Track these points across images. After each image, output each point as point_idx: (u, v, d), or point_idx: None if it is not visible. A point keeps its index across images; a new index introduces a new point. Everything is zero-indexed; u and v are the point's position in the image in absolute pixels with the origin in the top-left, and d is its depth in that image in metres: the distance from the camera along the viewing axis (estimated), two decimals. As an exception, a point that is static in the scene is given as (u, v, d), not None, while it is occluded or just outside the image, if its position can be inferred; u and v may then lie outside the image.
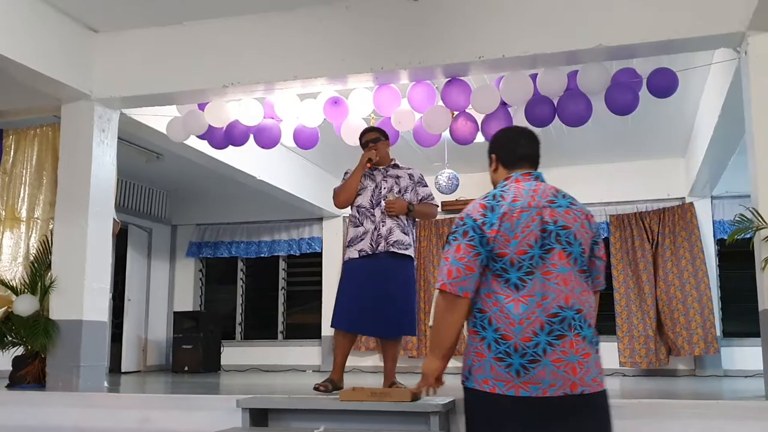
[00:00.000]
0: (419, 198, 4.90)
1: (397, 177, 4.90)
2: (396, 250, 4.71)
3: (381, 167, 4.94)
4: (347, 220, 4.92)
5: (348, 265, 4.83)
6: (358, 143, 5.93)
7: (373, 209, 4.79)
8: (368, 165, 4.88)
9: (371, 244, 4.72)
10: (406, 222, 4.81)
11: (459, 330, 2.47)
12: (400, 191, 4.83)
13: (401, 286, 4.75)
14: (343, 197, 4.92)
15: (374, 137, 4.98)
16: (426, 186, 4.97)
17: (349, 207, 4.93)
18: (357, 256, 4.75)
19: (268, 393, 5.12)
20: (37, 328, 5.24)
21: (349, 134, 5.80)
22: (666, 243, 8.94)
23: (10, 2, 4.84)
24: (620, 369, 8.71)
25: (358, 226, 4.81)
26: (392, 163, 4.99)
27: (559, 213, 2.46)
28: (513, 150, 2.66)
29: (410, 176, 4.93)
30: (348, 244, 4.85)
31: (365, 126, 5.88)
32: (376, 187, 4.85)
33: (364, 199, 4.84)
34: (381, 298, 4.64)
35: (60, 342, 5.30)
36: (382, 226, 4.73)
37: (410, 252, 4.80)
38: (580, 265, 2.45)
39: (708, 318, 8.54)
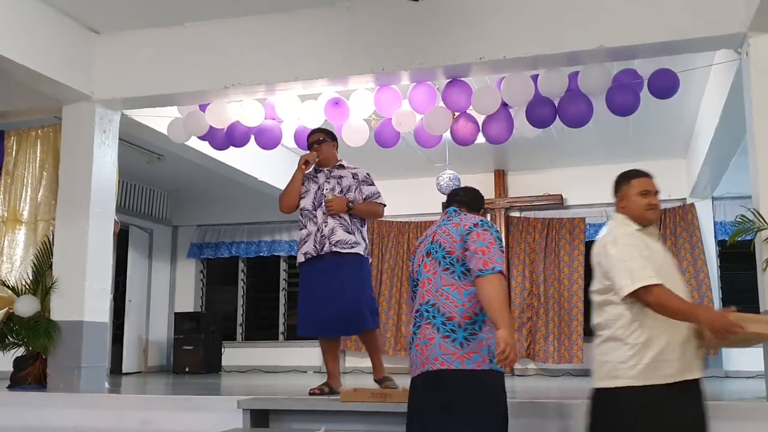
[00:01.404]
0: (363, 197, 4.81)
1: (340, 177, 4.83)
2: (339, 250, 4.63)
3: (325, 168, 4.88)
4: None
5: (300, 270, 4.81)
6: (359, 144, 5.93)
7: (315, 211, 4.74)
8: (304, 167, 4.83)
9: (315, 246, 4.67)
10: (350, 221, 4.72)
11: None
12: (342, 191, 4.76)
13: (351, 281, 4.62)
14: (284, 202, 4.88)
15: (318, 138, 4.92)
16: (372, 185, 4.87)
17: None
18: (304, 259, 4.73)
19: (269, 394, 5.12)
20: (38, 329, 5.24)
21: (351, 135, 5.80)
22: (667, 244, 8.90)
23: (11, 3, 4.85)
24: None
25: (302, 229, 4.79)
26: (338, 163, 4.92)
27: (437, 233, 3.19)
28: (451, 197, 3.43)
29: (354, 175, 4.84)
30: (297, 249, 4.83)
31: (366, 127, 5.88)
32: (319, 188, 4.79)
33: (307, 202, 4.80)
34: (332, 296, 4.57)
35: (61, 343, 5.30)
36: (325, 226, 4.67)
37: (358, 250, 4.68)
38: (444, 265, 3.08)
39: (709, 319, 8.51)
